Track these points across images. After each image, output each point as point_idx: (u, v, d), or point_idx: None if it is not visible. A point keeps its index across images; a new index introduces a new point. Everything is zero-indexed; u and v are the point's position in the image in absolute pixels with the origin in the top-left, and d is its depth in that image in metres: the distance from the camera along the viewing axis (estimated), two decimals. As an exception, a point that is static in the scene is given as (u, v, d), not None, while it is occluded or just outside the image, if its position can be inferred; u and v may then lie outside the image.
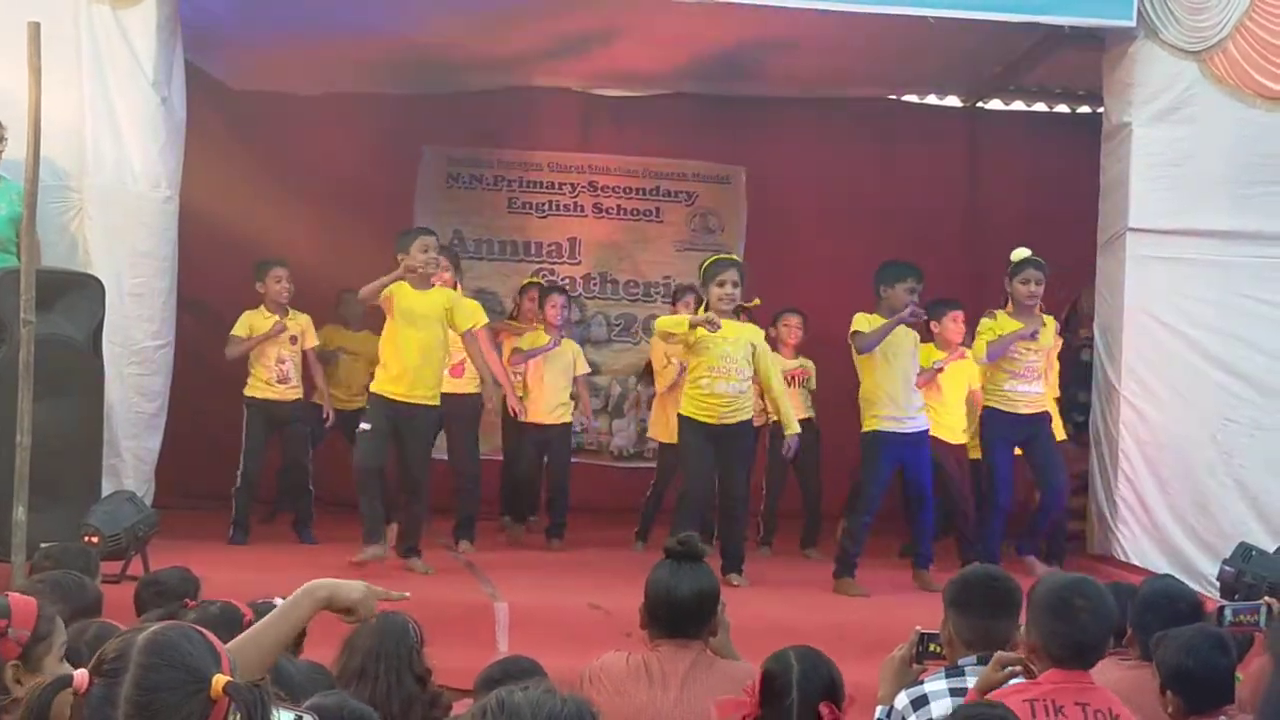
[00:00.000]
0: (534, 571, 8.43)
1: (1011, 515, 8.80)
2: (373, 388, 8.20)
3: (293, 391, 9.30)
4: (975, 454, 9.32)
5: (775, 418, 9.39)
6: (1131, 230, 8.82)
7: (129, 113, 8.36)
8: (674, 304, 10.07)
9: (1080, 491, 9.26)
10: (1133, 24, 8.74)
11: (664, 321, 8.31)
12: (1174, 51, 8.79)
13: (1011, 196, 11.96)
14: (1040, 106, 12.55)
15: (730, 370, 8.00)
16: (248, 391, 9.27)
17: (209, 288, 10.25)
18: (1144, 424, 8.81)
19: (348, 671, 3.83)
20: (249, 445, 9.22)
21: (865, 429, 8.43)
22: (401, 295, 8.05)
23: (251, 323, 9.25)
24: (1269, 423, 8.74)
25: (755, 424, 9.78)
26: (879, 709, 4.10)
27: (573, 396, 9.82)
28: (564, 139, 12.42)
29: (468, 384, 8.99)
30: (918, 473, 8.42)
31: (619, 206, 12.49)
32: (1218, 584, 7.72)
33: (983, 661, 3.83)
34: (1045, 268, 8.50)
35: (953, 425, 9.18)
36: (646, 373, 9.90)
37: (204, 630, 2.38)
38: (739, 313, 8.25)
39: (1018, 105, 12.58)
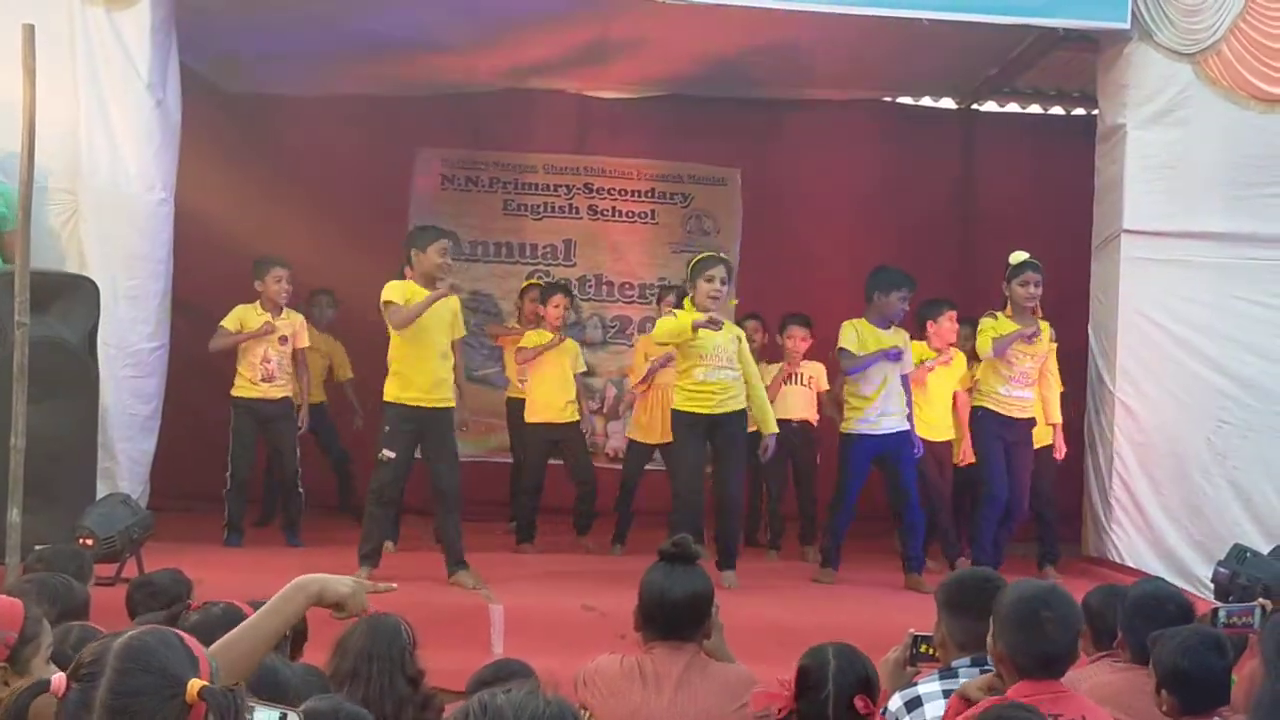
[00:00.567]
0: (528, 573, 8.42)
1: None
2: (393, 398, 7.86)
3: (277, 390, 9.21)
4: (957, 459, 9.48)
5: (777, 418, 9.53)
6: (1126, 232, 8.84)
7: (124, 115, 8.37)
8: (658, 305, 10.08)
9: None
10: (1127, 26, 8.76)
11: (664, 329, 8.14)
12: (1168, 53, 8.81)
13: (1006, 198, 11.96)
14: (1035, 109, 12.57)
15: (721, 359, 8.03)
16: (234, 392, 9.21)
17: (204, 290, 10.21)
18: (1138, 425, 8.83)
19: (340, 673, 3.83)
20: (236, 445, 9.18)
21: (842, 429, 8.62)
22: (415, 297, 7.82)
23: (243, 317, 9.16)
24: (1263, 424, 8.76)
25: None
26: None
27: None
28: (559, 141, 12.43)
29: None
30: (899, 474, 8.49)
31: (614, 208, 12.50)
32: (1212, 586, 7.72)
33: (976, 663, 3.83)
34: (1042, 269, 8.52)
35: (934, 422, 9.21)
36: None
37: (183, 635, 2.37)
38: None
39: (1013, 107, 12.59)
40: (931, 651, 4.10)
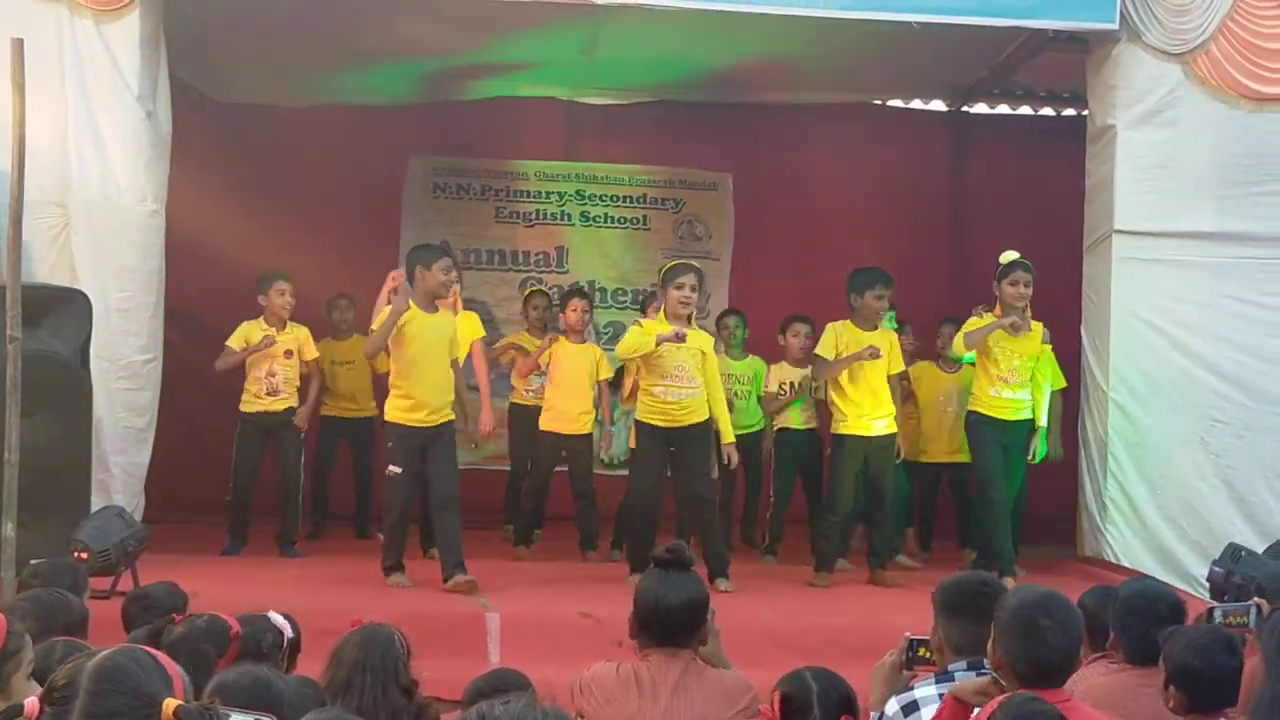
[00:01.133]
0: (525, 581, 8.41)
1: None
2: (393, 419, 7.92)
3: (282, 402, 9.24)
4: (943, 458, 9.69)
5: (782, 425, 9.85)
6: (1118, 232, 8.85)
7: (114, 127, 8.36)
8: (644, 311, 10.08)
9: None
10: (1115, 27, 8.77)
11: (626, 347, 8.19)
12: (1157, 54, 8.82)
13: (997, 199, 11.98)
14: (1025, 110, 12.59)
15: (683, 379, 8.07)
16: (241, 406, 9.25)
17: (196, 301, 10.23)
18: (1132, 426, 8.84)
19: (334, 684, 3.82)
20: (238, 457, 9.21)
21: (833, 431, 8.72)
22: (415, 322, 7.85)
23: (248, 334, 9.18)
24: (1256, 424, 8.78)
25: (755, 430, 10.05)
26: (870, 715, 4.10)
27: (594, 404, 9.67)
28: (551, 148, 12.42)
29: None
30: (880, 476, 8.60)
31: (606, 215, 12.50)
32: (1207, 585, 7.73)
33: (973, 667, 3.82)
34: (1033, 270, 8.51)
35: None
36: (616, 381, 9.81)
37: (156, 653, 2.35)
38: (690, 318, 8.27)
39: (1003, 109, 12.61)
40: (928, 655, 4.10)
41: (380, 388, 9.85)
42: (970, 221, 12.23)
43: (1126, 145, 8.86)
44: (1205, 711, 3.97)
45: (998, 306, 8.67)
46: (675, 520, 8.78)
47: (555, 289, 11.86)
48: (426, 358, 7.88)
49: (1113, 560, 8.73)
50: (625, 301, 12.37)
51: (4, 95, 6.87)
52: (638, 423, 8.32)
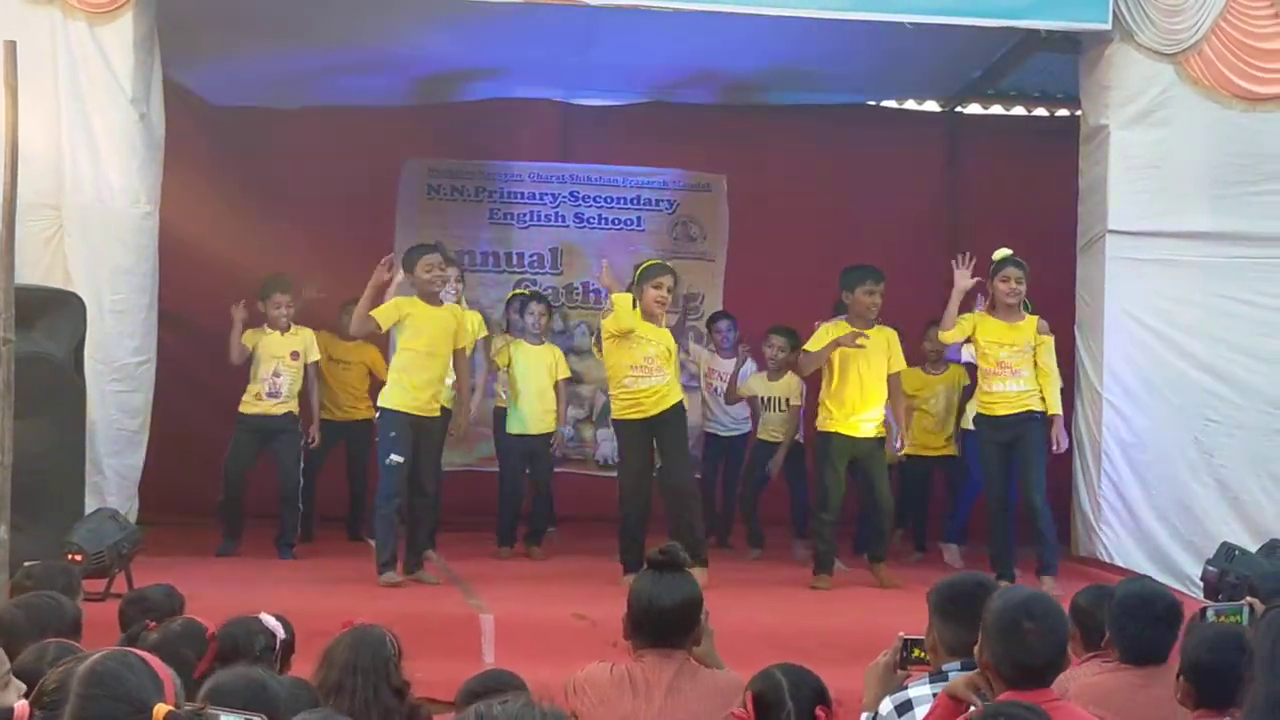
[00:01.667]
0: (519, 583, 8.42)
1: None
2: (389, 405, 8.07)
3: (281, 406, 9.27)
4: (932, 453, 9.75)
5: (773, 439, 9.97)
6: (1111, 232, 8.86)
7: (107, 129, 8.36)
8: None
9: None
10: (1108, 27, 8.78)
11: (614, 321, 8.19)
12: (1150, 54, 8.83)
13: (991, 200, 11.97)
14: (1019, 110, 12.61)
15: (652, 368, 8.16)
16: (240, 408, 9.30)
17: (191, 303, 10.23)
18: (1126, 425, 8.85)
19: (325, 685, 3.82)
20: (231, 458, 9.24)
21: (819, 429, 8.68)
22: (416, 312, 8.09)
23: (255, 338, 9.30)
24: (1250, 422, 8.79)
25: (739, 432, 10.11)
26: (864, 715, 4.10)
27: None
28: (544, 149, 12.42)
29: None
30: (873, 478, 8.57)
31: (600, 216, 12.50)
32: (1201, 584, 7.75)
33: (966, 667, 3.82)
34: (1025, 266, 8.43)
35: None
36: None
37: (146, 656, 2.35)
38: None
39: (996, 109, 12.63)
40: (922, 655, 4.10)
41: (377, 391, 9.91)
42: (964, 222, 12.22)
43: (1120, 145, 8.87)
44: (1213, 707, 3.97)
45: (992, 304, 8.66)
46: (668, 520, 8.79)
47: (549, 290, 11.90)
48: (427, 349, 8.09)
49: (1107, 560, 8.73)
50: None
51: (-3, 97, 6.86)
52: (615, 423, 8.40)
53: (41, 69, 8.07)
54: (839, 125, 12.21)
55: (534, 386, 9.68)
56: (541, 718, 1.96)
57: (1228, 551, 7.67)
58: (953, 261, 8.54)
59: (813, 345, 8.61)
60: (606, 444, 11.87)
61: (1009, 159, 12.00)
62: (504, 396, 9.84)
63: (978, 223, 11.85)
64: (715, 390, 10.28)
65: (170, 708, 2.19)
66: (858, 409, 8.50)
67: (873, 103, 12.71)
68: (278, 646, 4.21)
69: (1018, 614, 3.55)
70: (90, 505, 7.79)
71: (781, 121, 12.13)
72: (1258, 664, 3.32)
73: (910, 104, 12.79)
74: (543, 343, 9.88)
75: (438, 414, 8.31)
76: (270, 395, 9.23)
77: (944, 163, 12.59)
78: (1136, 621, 4.41)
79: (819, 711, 3.51)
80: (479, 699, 2.33)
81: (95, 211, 8.33)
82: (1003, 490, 8.58)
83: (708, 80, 11.62)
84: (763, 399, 10.01)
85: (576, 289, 12.39)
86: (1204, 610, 4.91)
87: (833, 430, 8.53)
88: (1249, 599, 4.98)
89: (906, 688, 3.97)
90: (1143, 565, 8.49)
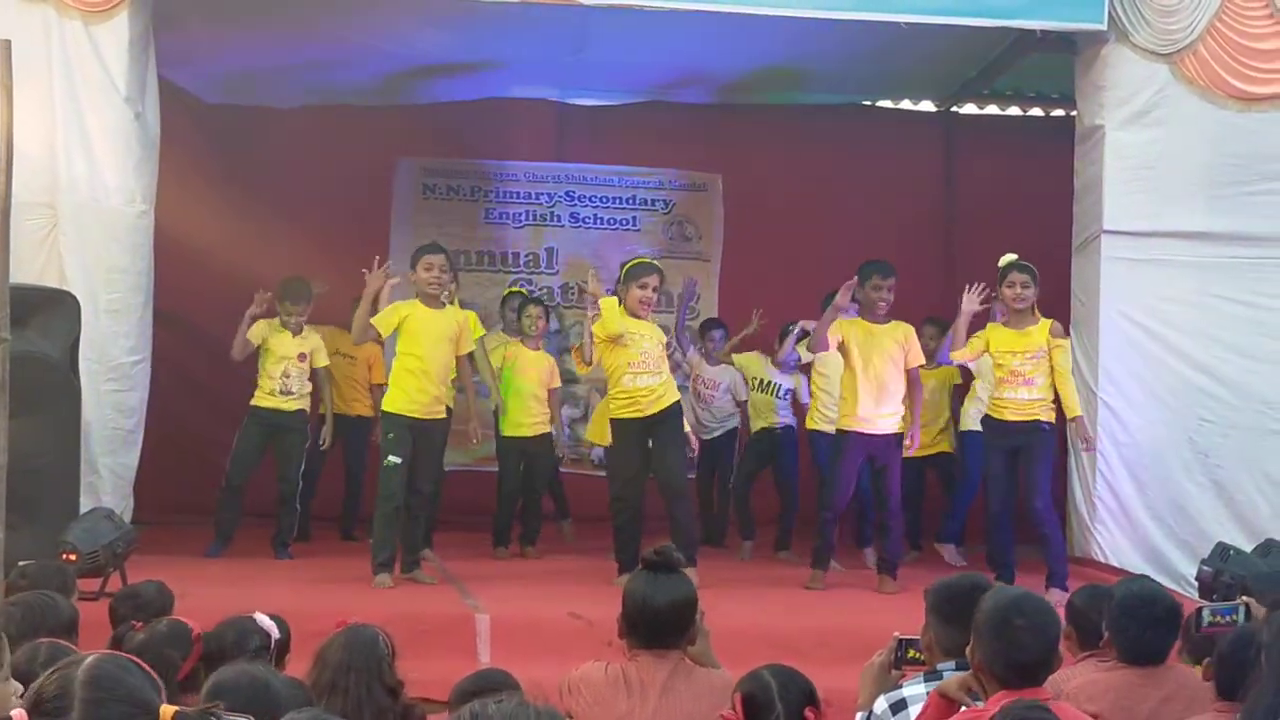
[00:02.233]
0: (515, 582, 8.42)
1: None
2: (391, 409, 8.10)
3: (293, 403, 9.29)
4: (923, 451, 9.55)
5: (767, 424, 10.10)
6: (1106, 232, 8.87)
7: (102, 128, 8.36)
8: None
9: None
10: (1103, 27, 8.79)
11: (602, 327, 8.21)
12: (1145, 54, 8.84)
13: (987, 200, 11.99)
14: (1014, 110, 12.61)
15: (649, 365, 8.18)
16: (253, 401, 9.28)
17: (186, 302, 10.22)
18: (1121, 425, 8.85)
19: (319, 685, 3.81)
20: (238, 449, 9.23)
21: (837, 427, 8.64)
22: (414, 315, 8.09)
23: (263, 331, 9.27)
24: (1245, 423, 8.80)
25: (724, 430, 10.34)
26: (858, 715, 4.10)
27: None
28: (540, 149, 12.42)
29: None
30: (885, 476, 8.49)
31: (596, 216, 12.50)
32: (1196, 584, 7.75)
33: (961, 667, 3.83)
34: (1033, 271, 8.33)
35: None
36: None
37: (138, 660, 2.34)
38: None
39: (992, 109, 12.63)
40: (917, 656, 4.10)
41: (375, 387, 9.92)
42: (959, 222, 12.25)
43: (1115, 145, 8.88)
44: (1229, 698, 3.97)
45: (1004, 318, 8.66)
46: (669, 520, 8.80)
47: (544, 290, 11.90)
48: (425, 351, 8.09)
49: (1102, 560, 8.74)
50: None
51: (-8, 96, 6.85)
52: (613, 422, 8.38)
53: (36, 68, 8.07)
54: (835, 125, 12.21)
55: (528, 389, 9.70)
56: (536, 717, 1.96)
57: (1223, 551, 7.67)
58: (965, 287, 8.51)
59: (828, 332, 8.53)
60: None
61: (1005, 159, 12.00)
62: (496, 396, 9.85)
63: (973, 222, 11.89)
64: (699, 396, 10.31)
65: (176, 708, 2.18)
66: (874, 406, 8.38)
67: (868, 102, 12.71)
68: (272, 646, 4.21)
69: (1008, 612, 3.56)
70: (85, 505, 7.78)
71: (777, 121, 12.12)
72: (1268, 669, 3.33)
73: (906, 104, 12.79)
74: (539, 348, 9.90)
75: (441, 416, 8.30)
76: (283, 393, 9.24)
77: (940, 163, 12.59)
78: (1138, 622, 4.41)
79: (808, 713, 3.51)
80: (473, 699, 2.33)
81: (90, 210, 8.32)
82: (1002, 493, 8.53)
83: (703, 80, 11.62)
84: (760, 381, 10.14)
85: (572, 289, 12.38)
86: (1200, 610, 4.92)
87: (849, 428, 8.45)
88: (1244, 599, 4.98)
89: (901, 687, 3.98)
90: (1138, 565, 8.50)
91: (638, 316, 8.19)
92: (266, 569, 8.61)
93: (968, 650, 3.65)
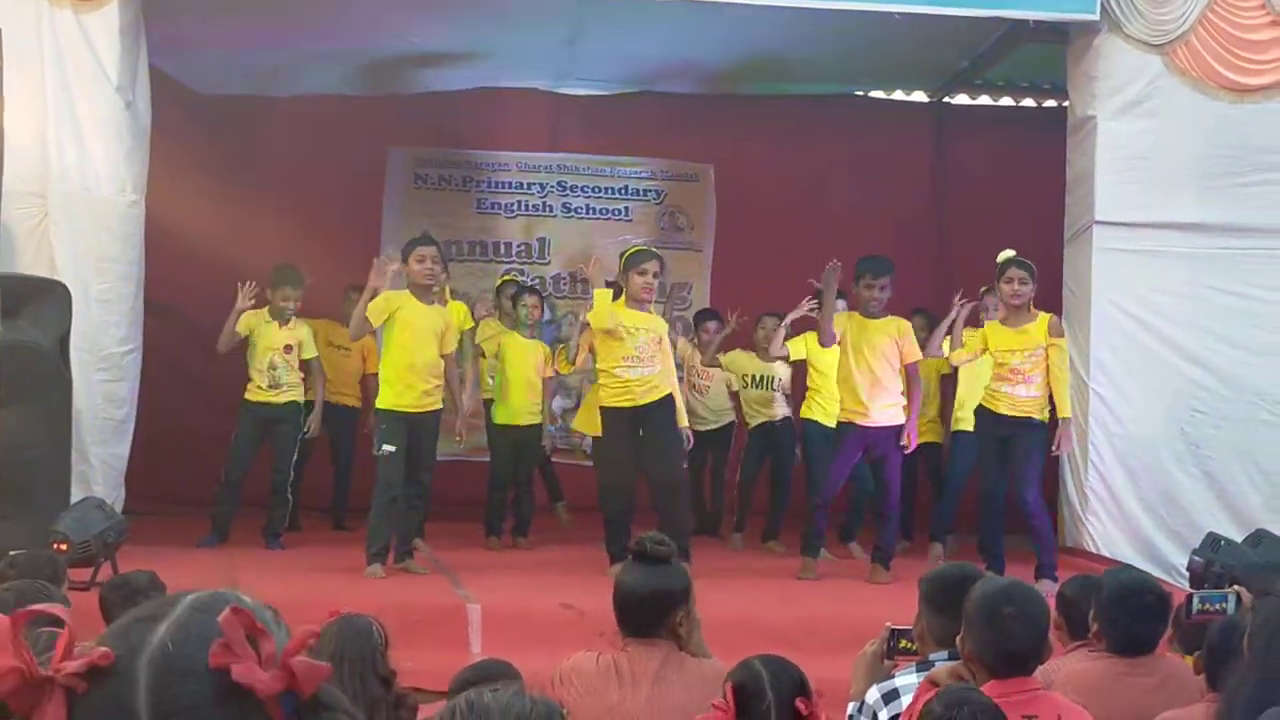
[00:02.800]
0: (507, 572, 8.42)
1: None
2: (383, 405, 8.13)
3: (284, 395, 9.26)
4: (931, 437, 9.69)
5: (766, 419, 10.09)
6: (1098, 223, 8.88)
7: (93, 117, 8.34)
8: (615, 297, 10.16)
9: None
10: (1096, 18, 8.79)
11: (594, 319, 8.27)
12: (1137, 45, 8.84)
13: (979, 190, 12.00)
14: (1006, 101, 12.62)
15: (643, 358, 8.20)
16: (245, 396, 9.26)
17: (177, 292, 10.21)
18: (1112, 416, 8.86)
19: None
20: (234, 446, 9.22)
21: (836, 420, 8.70)
22: (406, 306, 8.08)
23: (251, 324, 9.23)
24: (1236, 414, 8.81)
25: (721, 424, 10.34)
26: (851, 704, 4.11)
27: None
28: (532, 139, 12.41)
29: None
30: (884, 467, 8.51)
31: (588, 206, 12.50)
32: (1187, 574, 7.77)
33: (954, 658, 3.83)
34: (1031, 267, 8.34)
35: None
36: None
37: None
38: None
39: (984, 100, 12.64)
40: (909, 646, 4.11)
41: (368, 379, 9.91)
42: (951, 212, 12.26)
43: (1107, 136, 8.89)
44: (1216, 688, 3.98)
45: (1000, 314, 8.69)
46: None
47: (536, 280, 11.89)
48: (414, 345, 8.08)
49: (1093, 550, 8.75)
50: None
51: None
52: (602, 410, 8.37)
53: (27, 57, 8.05)
54: (826, 115, 12.22)
55: (523, 378, 9.70)
56: (531, 706, 1.96)
57: (1213, 541, 7.69)
58: (955, 300, 8.64)
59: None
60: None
61: (996, 150, 12.01)
62: (490, 384, 9.85)
63: (965, 213, 11.90)
64: (694, 387, 10.32)
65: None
66: (869, 400, 8.39)
67: (860, 93, 12.71)
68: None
69: (998, 601, 3.57)
70: (77, 494, 7.77)
71: (769, 111, 12.13)
72: (1251, 657, 3.33)
73: (898, 94, 12.80)
74: (534, 337, 9.91)
75: (437, 407, 8.28)
76: (272, 386, 9.21)
77: (932, 153, 12.59)
78: (1129, 612, 4.40)
79: (799, 703, 3.51)
80: (473, 688, 2.33)
81: (81, 200, 8.30)
82: (994, 483, 8.55)
83: (695, 70, 11.62)
84: (752, 377, 10.13)
85: (564, 279, 12.39)
86: (1189, 598, 4.93)
87: (845, 420, 8.51)
88: (1235, 588, 4.99)
89: (894, 677, 3.99)
90: (1128, 555, 8.52)
91: (640, 302, 8.17)
92: (258, 559, 8.60)
93: (958, 640, 3.66)
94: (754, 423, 10.20)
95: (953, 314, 8.64)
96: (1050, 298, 9.28)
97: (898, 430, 8.46)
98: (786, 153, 12.09)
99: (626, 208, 12.53)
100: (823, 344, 8.79)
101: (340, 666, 3.83)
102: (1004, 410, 8.40)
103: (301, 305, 9.38)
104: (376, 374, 8.59)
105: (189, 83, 11.18)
